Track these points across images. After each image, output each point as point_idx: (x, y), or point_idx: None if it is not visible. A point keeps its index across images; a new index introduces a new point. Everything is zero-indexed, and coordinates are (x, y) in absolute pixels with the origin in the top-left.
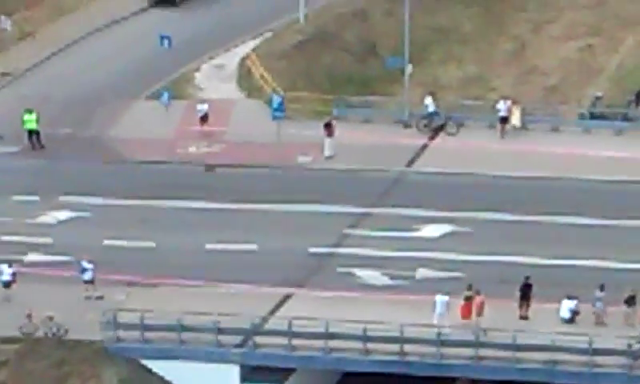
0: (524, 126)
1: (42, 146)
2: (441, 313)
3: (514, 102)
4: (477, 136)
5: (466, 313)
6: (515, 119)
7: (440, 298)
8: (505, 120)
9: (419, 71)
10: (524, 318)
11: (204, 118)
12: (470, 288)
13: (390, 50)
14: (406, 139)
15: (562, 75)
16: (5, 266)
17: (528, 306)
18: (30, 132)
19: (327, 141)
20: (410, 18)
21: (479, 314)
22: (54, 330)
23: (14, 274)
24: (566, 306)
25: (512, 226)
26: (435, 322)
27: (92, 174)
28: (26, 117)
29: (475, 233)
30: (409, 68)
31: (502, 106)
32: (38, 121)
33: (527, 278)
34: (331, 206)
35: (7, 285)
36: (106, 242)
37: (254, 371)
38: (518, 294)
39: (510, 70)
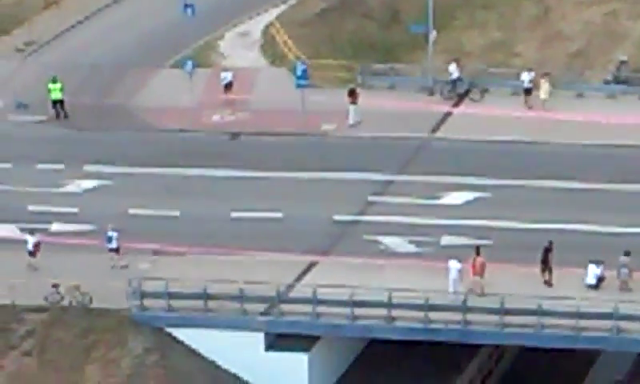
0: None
1: (67, 116)
2: (454, 279)
3: (543, 75)
4: (501, 102)
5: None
6: (544, 93)
7: (453, 265)
8: (529, 91)
9: (443, 37)
10: (548, 283)
11: (228, 86)
12: (477, 252)
13: (414, 16)
14: (430, 106)
15: (587, 40)
16: (28, 236)
17: (549, 271)
18: (55, 101)
19: (351, 108)
20: None
21: (479, 274)
22: (80, 298)
23: (37, 244)
24: (592, 272)
25: (536, 192)
26: (450, 289)
27: (117, 142)
28: (51, 86)
29: (499, 199)
30: (432, 34)
31: (525, 77)
32: (62, 90)
33: (550, 243)
34: (356, 174)
35: (31, 253)
36: (131, 210)
37: (279, 339)
38: (540, 259)
39: (534, 36)
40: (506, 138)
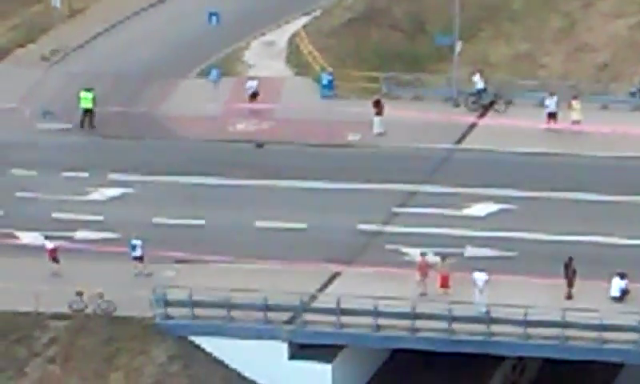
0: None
1: (93, 126)
2: (480, 290)
3: (575, 97)
4: (526, 114)
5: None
6: (576, 114)
7: (479, 276)
8: (554, 115)
9: (469, 48)
10: (568, 297)
11: (253, 95)
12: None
13: (440, 27)
14: (455, 117)
15: (612, 53)
16: (45, 240)
17: (570, 285)
18: (85, 111)
19: (376, 119)
20: None
21: (442, 285)
22: (104, 306)
23: (55, 249)
24: (616, 285)
25: (560, 204)
26: (476, 300)
27: (141, 151)
28: (83, 95)
29: (524, 211)
30: (458, 45)
31: (549, 101)
32: (94, 100)
33: (569, 259)
34: (380, 184)
35: (54, 259)
36: (156, 219)
37: (303, 348)
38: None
39: (560, 48)
40: (530, 149)
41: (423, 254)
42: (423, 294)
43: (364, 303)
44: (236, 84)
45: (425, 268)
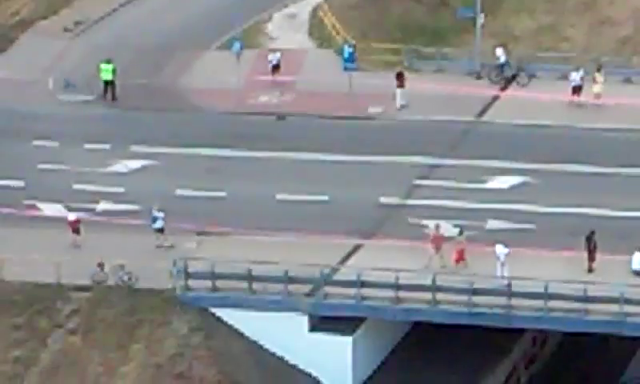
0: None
1: (115, 98)
2: (502, 263)
3: (599, 69)
4: (548, 87)
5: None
6: (598, 87)
7: (500, 249)
8: (579, 89)
9: (491, 21)
10: (590, 270)
11: (276, 68)
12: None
13: (462, 0)
14: (478, 90)
15: (635, 26)
16: (68, 213)
17: (591, 259)
18: (106, 82)
19: (398, 91)
20: None
21: (457, 259)
22: (125, 278)
23: (76, 221)
24: (638, 259)
25: (582, 178)
26: (498, 273)
27: (164, 123)
28: (103, 66)
29: (545, 184)
30: (481, 18)
31: (575, 75)
32: (114, 72)
33: (592, 232)
34: (402, 157)
35: (75, 230)
36: (177, 191)
37: (323, 321)
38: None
39: (583, 21)
40: (553, 122)
41: (437, 227)
42: (441, 267)
43: (385, 276)
44: (258, 56)
45: (438, 240)
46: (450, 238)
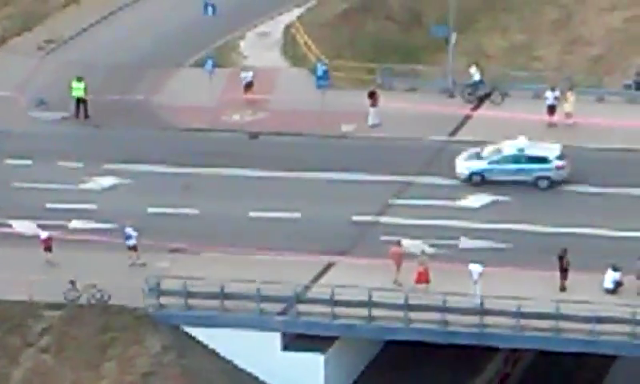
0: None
1: (87, 116)
2: (476, 281)
3: (570, 88)
4: (521, 106)
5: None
6: (569, 106)
7: (474, 268)
8: (553, 108)
9: (464, 40)
10: (562, 289)
11: (248, 86)
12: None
13: (435, 18)
14: (450, 108)
15: (607, 45)
16: (40, 230)
17: (564, 277)
18: (78, 100)
19: (371, 110)
20: None
21: (417, 280)
22: (98, 296)
23: (49, 238)
24: (610, 277)
25: (555, 196)
26: (472, 291)
27: (136, 141)
28: (75, 84)
29: (518, 203)
30: (453, 37)
31: (549, 94)
32: (86, 90)
33: (563, 250)
34: (375, 175)
35: (47, 248)
36: (150, 209)
37: (296, 339)
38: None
39: (556, 40)
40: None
41: (398, 242)
42: (394, 283)
43: (358, 294)
44: (231, 74)
45: (397, 256)
46: (410, 255)
